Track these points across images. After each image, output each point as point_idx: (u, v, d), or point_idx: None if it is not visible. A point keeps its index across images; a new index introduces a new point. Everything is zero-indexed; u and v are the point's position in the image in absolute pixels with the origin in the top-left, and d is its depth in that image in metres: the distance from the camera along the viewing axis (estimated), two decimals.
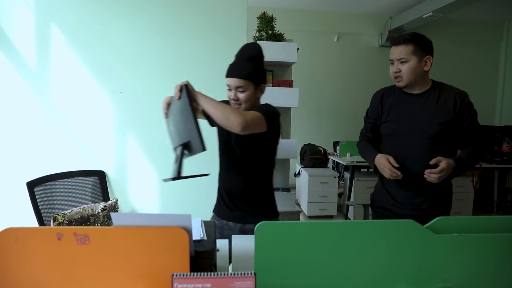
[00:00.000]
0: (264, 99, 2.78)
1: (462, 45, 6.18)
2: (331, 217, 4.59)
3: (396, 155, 1.83)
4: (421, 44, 1.75)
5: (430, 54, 1.77)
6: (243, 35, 2.64)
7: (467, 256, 1.06)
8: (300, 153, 4.93)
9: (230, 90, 1.65)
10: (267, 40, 2.84)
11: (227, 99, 1.74)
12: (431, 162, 1.71)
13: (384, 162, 1.79)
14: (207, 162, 2.69)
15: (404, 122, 1.82)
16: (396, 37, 1.81)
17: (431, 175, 1.69)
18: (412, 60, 1.74)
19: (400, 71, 1.77)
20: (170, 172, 1.69)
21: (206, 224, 1.43)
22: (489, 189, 4.92)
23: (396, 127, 1.85)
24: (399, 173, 1.75)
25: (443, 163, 1.68)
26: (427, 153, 1.77)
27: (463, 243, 1.06)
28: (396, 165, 1.76)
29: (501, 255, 1.08)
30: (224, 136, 1.77)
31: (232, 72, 1.65)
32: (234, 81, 1.63)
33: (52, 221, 2.17)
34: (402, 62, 1.76)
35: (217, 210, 1.85)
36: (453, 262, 1.06)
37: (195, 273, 0.93)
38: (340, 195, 5.01)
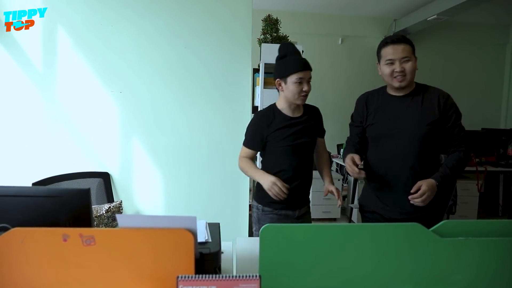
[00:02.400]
0: (268, 102, 2.79)
1: (467, 48, 6.15)
2: (334, 219, 4.58)
3: (382, 158, 1.84)
4: (412, 45, 1.78)
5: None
6: (248, 38, 2.65)
7: (473, 259, 1.06)
8: None
9: (301, 83, 1.84)
10: (271, 42, 2.84)
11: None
12: (411, 191, 1.69)
13: (348, 161, 1.77)
14: (210, 162, 2.70)
15: (391, 124, 1.80)
16: (391, 36, 1.80)
17: (415, 200, 1.68)
18: (412, 60, 1.75)
19: (404, 69, 1.74)
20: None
21: (210, 226, 1.44)
22: (494, 193, 4.89)
23: (382, 129, 1.82)
24: (357, 170, 1.73)
25: (423, 186, 1.67)
26: (414, 155, 1.76)
27: (469, 246, 1.05)
28: (358, 162, 1.74)
29: (507, 258, 1.07)
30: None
31: (307, 65, 1.86)
32: (308, 73, 1.87)
33: None
34: (406, 61, 1.74)
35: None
36: (459, 266, 1.06)
37: (200, 275, 0.93)
38: (343, 198, 5.00)
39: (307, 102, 1.98)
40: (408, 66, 1.74)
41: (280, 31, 2.91)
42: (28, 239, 1.00)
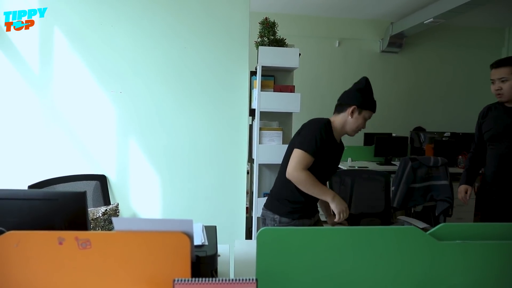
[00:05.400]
0: (265, 104, 2.79)
1: (463, 50, 6.19)
2: None
3: (492, 157, 2.31)
4: None
5: None
6: (245, 40, 2.65)
7: (470, 263, 1.06)
8: None
9: (366, 121, 2.01)
10: (269, 45, 2.85)
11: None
12: None
13: (461, 191, 2.51)
14: (207, 165, 2.70)
15: (497, 129, 2.25)
16: (496, 61, 2.22)
17: None
18: (511, 79, 2.14)
19: (502, 88, 2.18)
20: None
21: (207, 229, 1.43)
22: None
23: (491, 133, 2.29)
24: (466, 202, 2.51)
25: None
26: (505, 155, 2.20)
27: (466, 250, 1.05)
28: (468, 198, 2.47)
29: (505, 262, 1.07)
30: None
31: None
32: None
33: None
34: (503, 81, 2.17)
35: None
36: (457, 269, 1.06)
37: (196, 279, 0.93)
38: None
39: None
40: (505, 85, 2.17)
41: (277, 34, 2.91)
42: (23, 243, 1.00)
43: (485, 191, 2.41)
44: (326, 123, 1.97)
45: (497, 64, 2.21)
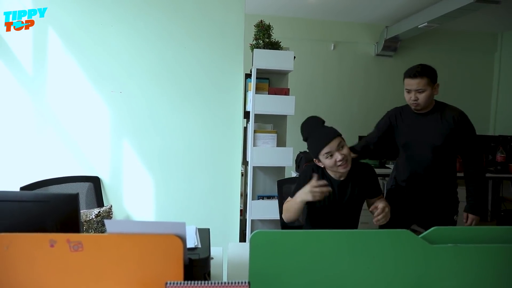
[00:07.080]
0: (260, 107, 2.80)
1: (457, 55, 6.23)
2: None
3: (408, 161, 2.30)
4: (431, 76, 2.14)
5: (437, 82, 2.17)
6: (240, 43, 2.66)
7: (462, 266, 1.06)
8: (295, 160, 4.93)
9: (332, 155, 1.80)
10: (263, 48, 2.85)
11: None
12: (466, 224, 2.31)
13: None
14: (202, 167, 2.69)
15: (413, 135, 2.22)
16: (411, 70, 2.16)
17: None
18: (427, 90, 2.12)
19: (418, 99, 2.13)
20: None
21: (200, 231, 1.43)
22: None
23: (407, 139, 2.27)
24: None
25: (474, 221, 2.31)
26: (429, 161, 2.19)
27: (458, 253, 1.06)
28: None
29: (497, 265, 1.08)
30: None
31: (330, 136, 1.80)
32: (336, 141, 1.80)
33: None
34: (419, 92, 2.12)
35: None
36: (449, 273, 1.06)
37: (189, 281, 0.92)
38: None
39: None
40: (421, 96, 2.13)
41: (272, 37, 2.92)
42: (14, 245, 0.99)
43: (397, 193, 2.42)
44: (310, 169, 1.93)
45: (413, 75, 2.12)
